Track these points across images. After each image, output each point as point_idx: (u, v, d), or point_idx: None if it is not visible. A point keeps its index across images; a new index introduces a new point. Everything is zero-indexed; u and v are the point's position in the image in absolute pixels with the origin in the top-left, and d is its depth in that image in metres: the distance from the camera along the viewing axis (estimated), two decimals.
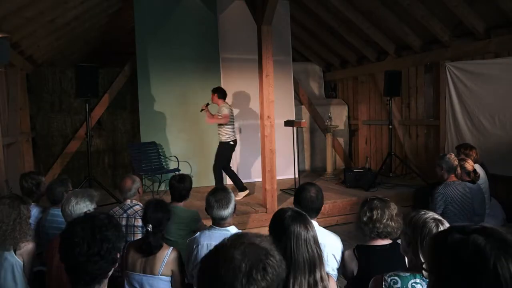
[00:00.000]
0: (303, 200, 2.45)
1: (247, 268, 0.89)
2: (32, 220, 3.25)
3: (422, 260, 1.68)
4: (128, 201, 3.32)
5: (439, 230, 1.70)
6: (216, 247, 0.99)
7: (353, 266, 2.24)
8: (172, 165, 6.22)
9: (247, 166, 6.97)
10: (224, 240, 0.99)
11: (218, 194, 2.44)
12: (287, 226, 1.67)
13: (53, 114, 6.68)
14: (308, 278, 1.57)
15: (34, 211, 3.31)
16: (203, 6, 6.69)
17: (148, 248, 2.36)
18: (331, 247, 2.31)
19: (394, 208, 2.27)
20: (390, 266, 1.95)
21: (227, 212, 2.38)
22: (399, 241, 2.25)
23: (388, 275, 1.74)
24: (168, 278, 2.40)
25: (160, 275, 2.36)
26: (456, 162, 3.69)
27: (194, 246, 2.39)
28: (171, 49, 6.44)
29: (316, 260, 1.61)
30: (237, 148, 6.96)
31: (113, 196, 5.33)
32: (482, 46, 5.39)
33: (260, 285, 0.89)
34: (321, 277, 1.60)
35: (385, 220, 2.20)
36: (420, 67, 6.67)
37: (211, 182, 6.61)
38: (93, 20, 6.25)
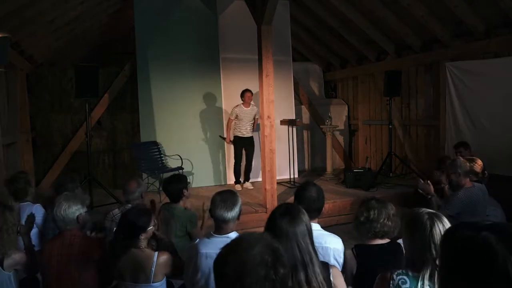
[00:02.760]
0: (304, 199, 2.42)
1: (271, 262, 0.97)
2: (39, 220, 3.25)
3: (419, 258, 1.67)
4: (129, 205, 3.30)
5: (435, 224, 1.69)
6: (231, 249, 1.03)
7: (352, 265, 2.24)
8: (175, 163, 6.22)
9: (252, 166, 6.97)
10: (231, 244, 1.05)
11: (225, 194, 2.37)
12: (277, 224, 1.68)
13: (53, 114, 6.67)
14: (303, 273, 1.56)
15: (41, 212, 3.31)
16: (203, 6, 6.69)
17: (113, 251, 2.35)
18: (333, 249, 2.30)
19: (391, 208, 2.27)
20: (389, 264, 1.96)
21: (230, 214, 2.27)
22: (399, 241, 2.27)
23: (396, 273, 1.70)
24: (161, 283, 2.36)
25: (152, 282, 2.31)
26: (468, 164, 3.63)
27: (194, 254, 2.32)
28: (171, 49, 6.44)
29: (306, 255, 1.60)
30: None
31: (113, 196, 5.33)
32: (482, 46, 5.39)
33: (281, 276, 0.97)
34: (314, 272, 1.59)
35: (382, 220, 2.21)
36: (420, 67, 6.67)
37: (210, 182, 6.65)
38: (93, 20, 6.26)
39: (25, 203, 3.36)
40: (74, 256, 2.39)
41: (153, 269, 2.30)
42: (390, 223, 2.21)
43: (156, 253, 2.36)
